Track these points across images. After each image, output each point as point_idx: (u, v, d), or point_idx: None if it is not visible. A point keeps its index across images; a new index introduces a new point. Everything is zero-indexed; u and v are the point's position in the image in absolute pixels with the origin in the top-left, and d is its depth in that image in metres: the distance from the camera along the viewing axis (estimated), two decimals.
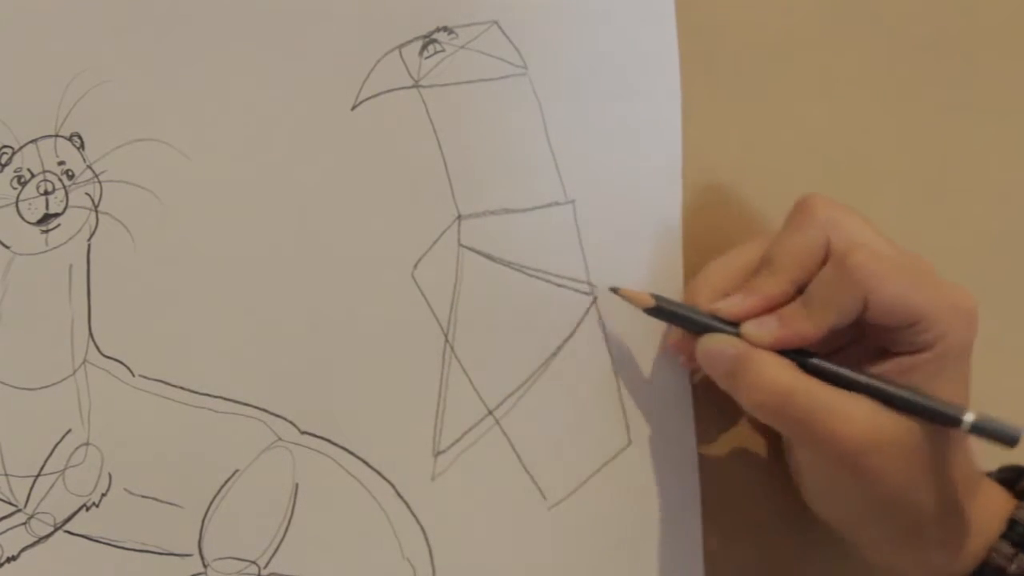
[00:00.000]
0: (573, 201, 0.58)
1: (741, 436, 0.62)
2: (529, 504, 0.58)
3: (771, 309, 0.54)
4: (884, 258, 0.53)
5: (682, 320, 0.56)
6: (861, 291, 0.52)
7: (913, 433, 0.52)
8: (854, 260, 0.52)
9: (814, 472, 0.57)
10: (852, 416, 0.52)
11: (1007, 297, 0.66)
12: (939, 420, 0.52)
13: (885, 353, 0.54)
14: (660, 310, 0.56)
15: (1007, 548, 0.55)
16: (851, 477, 0.53)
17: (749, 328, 0.54)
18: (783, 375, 0.53)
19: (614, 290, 0.57)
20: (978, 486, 0.56)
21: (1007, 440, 0.51)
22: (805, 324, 0.53)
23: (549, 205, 0.58)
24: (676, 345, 0.58)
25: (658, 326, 0.60)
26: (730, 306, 0.55)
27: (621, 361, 0.60)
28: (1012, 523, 0.55)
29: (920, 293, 0.52)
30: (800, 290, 0.54)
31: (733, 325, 0.54)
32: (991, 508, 0.56)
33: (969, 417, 0.52)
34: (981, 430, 0.52)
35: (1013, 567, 0.55)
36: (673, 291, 0.60)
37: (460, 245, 0.57)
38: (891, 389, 0.53)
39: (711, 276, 0.57)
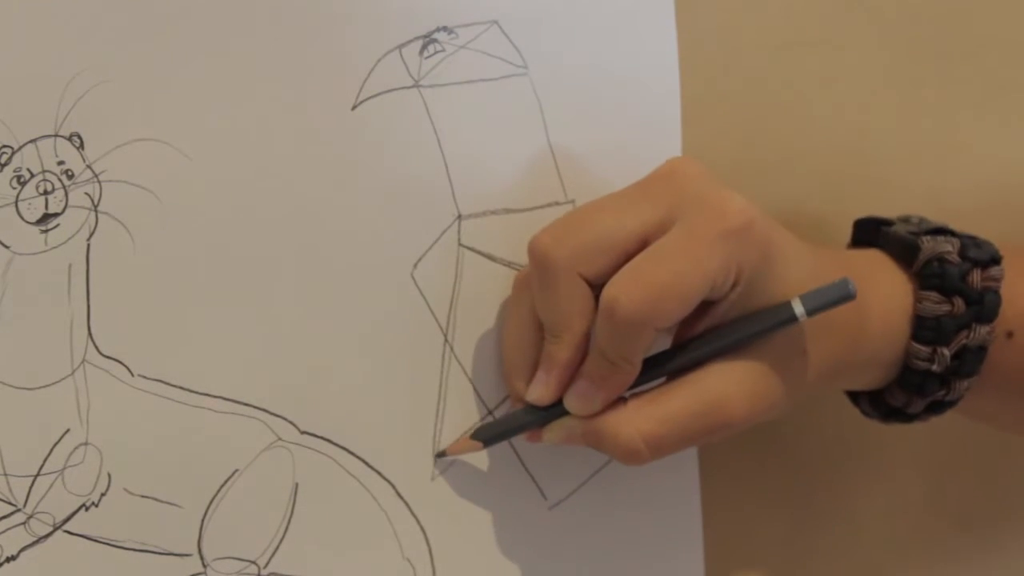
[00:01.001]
0: (573, 201, 0.58)
1: (741, 436, 0.62)
2: (529, 504, 0.58)
3: (575, 370, 0.53)
4: (642, 276, 0.50)
5: (514, 432, 0.55)
6: (648, 328, 0.50)
7: (778, 351, 0.52)
8: (622, 311, 0.49)
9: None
10: (732, 398, 0.51)
11: None
12: (781, 326, 0.51)
13: (702, 308, 0.52)
14: (491, 440, 0.56)
15: (922, 349, 0.54)
16: (773, 415, 0.53)
17: (573, 407, 0.53)
18: (638, 426, 0.51)
19: (440, 455, 0.57)
20: (872, 300, 0.54)
21: (844, 298, 0.50)
22: (616, 377, 0.52)
23: (549, 205, 0.58)
24: (535, 440, 0.55)
25: None
26: (539, 396, 0.53)
27: None
28: (919, 321, 0.54)
29: (693, 271, 0.49)
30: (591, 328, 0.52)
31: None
32: (895, 307, 0.55)
33: (799, 307, 0.51)
34: (817, 308, 0.50)
35: (936, 366, 0.54)
36: None
37: (460, 245, 0.57)
38: (729, 339, 0.52)
39: (514, 360, 0.55)
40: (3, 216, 0.51)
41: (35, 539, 0.52)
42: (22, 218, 0.51)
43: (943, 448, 0.67)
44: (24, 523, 0.51)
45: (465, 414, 0.57)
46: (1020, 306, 0.55)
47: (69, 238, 0.51)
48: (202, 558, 0.54)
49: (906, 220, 0.58)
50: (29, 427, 0.51)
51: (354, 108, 0.55)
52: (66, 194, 0.51)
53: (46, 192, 0.51)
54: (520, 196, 0.57)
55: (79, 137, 0.51)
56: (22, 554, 0.51)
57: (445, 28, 0.56)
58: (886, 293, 0.55)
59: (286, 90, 0.54)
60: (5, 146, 0.50)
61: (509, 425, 0.55)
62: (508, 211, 0.57)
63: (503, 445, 0.58)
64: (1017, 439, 0.67)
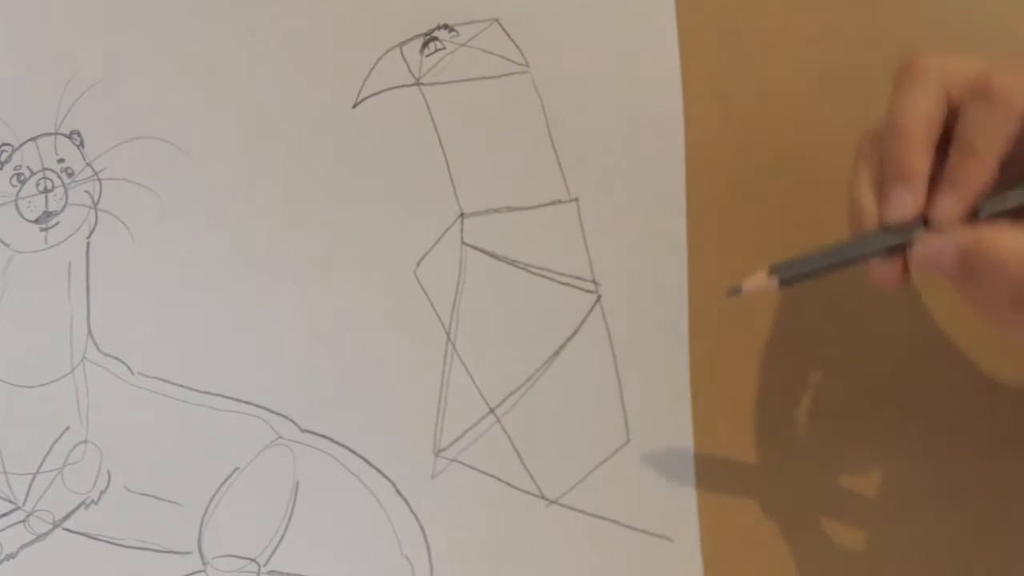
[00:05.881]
0: (577, 199, 0.58)
1: (738, 436, 0.62)
2: (528, 502, 0.58)
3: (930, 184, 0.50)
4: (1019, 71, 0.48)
5: (834, 262, 0.51)
6: (1019, 109, 0.48)
7: None
8: (999, 83, 0.48)
9: None
10: None
11: None
12: None
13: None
14: (801, 276, 0.51)
15: None
16: None
17: (938, 211, 0.50)
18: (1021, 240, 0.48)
19: (735, 291, 0.51)
20: None
21: None
22: (976, 175, 0.49)
23: (553, 203, 0.58)
24: (881, 277, 0.52)
25: (661, 324, 0.59)
26: (903, 210, 0.50)
27: (623, 359, 0.60)
28: None
29: None
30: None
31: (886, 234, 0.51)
32: None
33: None
34: None
35: None
36: (677, 288, 0.60)
37: (464, 243, 0.57)
38: None
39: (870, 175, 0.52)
40: (3, 214, 0.51)
41: (35, 537, 0.52)
42: (22, 216, 0.51)
43: None
44: (24, 521, 0.52)
45: (466, 413, 0.57)
46: None
47: (69, 236, 0.52)
48: (202, 556, 0.54)
49: None
50: (29, 425, 0.51)
51: (355, 106, 0.55)
52: (66, 192, 0.51)
53: (46, 190, 0.51)
54: (523, 194, 0.57)
55: (79, 135, 0.51)
56: (22, 552, 0.52)
57: (446, 26, 0.55)
58: None
59: (286, 88, 0.54)
60: (5, 144, 0.51)
61: (839, 256, 0.52)
62: (511, 209, 0.57)
63: (504, 443, 0.58)
64: None
